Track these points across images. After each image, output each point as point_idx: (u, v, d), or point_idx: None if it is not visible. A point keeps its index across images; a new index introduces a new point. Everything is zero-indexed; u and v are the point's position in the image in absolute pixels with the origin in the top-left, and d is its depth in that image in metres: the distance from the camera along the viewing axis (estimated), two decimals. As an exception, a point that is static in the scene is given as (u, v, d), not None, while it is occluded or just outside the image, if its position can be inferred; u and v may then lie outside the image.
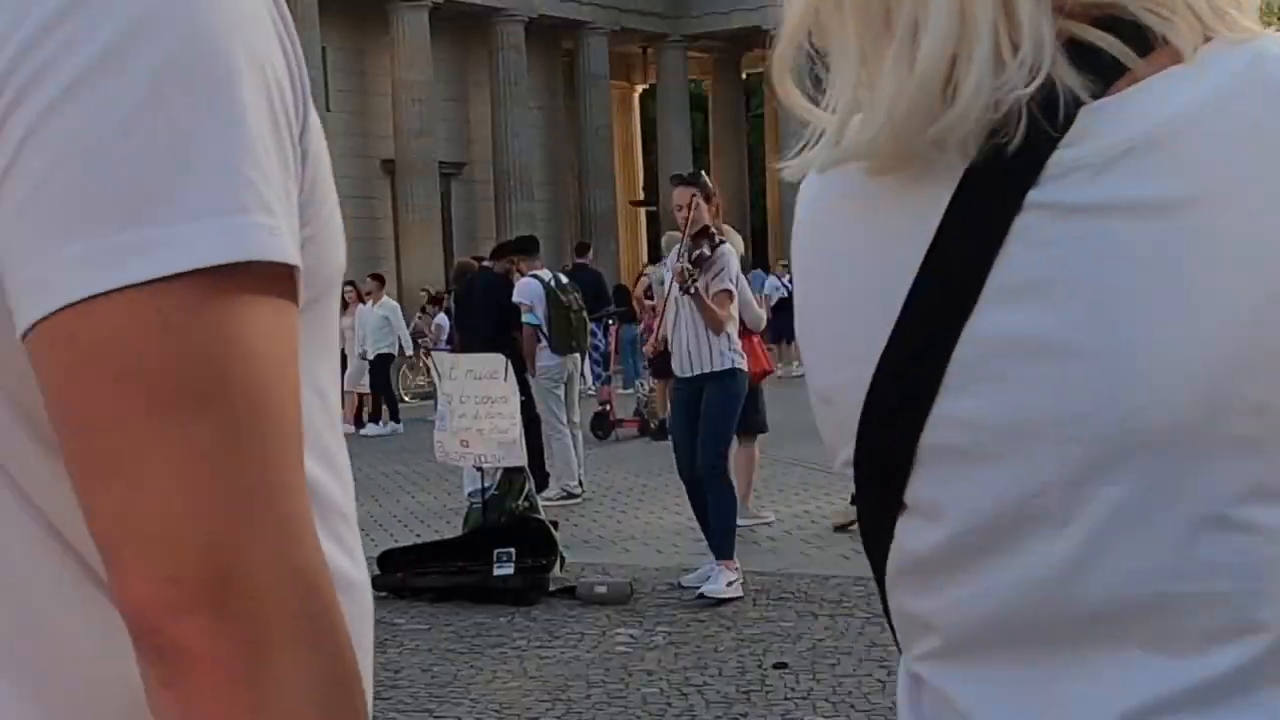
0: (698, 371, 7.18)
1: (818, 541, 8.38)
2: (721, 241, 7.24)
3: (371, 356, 18.05)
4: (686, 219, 7.19)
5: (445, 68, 38.12)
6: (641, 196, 49.71)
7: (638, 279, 17.55)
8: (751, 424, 8.38)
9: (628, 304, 18.80)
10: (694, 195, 7.21)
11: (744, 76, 50.02)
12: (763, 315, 8.87)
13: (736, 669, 5.69)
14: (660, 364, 15.12)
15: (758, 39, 44.37)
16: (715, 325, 7.09)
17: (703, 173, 7.52)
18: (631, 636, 6.32)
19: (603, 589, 7.08)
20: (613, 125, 44.09)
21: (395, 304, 19.31)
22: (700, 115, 52.18)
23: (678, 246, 7.31)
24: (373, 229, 37.65)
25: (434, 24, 36.26)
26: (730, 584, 7.02)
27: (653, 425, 15.09)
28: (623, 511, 10.17)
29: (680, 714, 5.13)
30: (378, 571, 7.57)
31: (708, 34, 44.05)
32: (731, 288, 7.19)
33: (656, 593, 7.22)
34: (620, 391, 17.99)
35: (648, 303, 14.74)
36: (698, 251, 7.09)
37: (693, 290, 7.01)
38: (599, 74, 41.85)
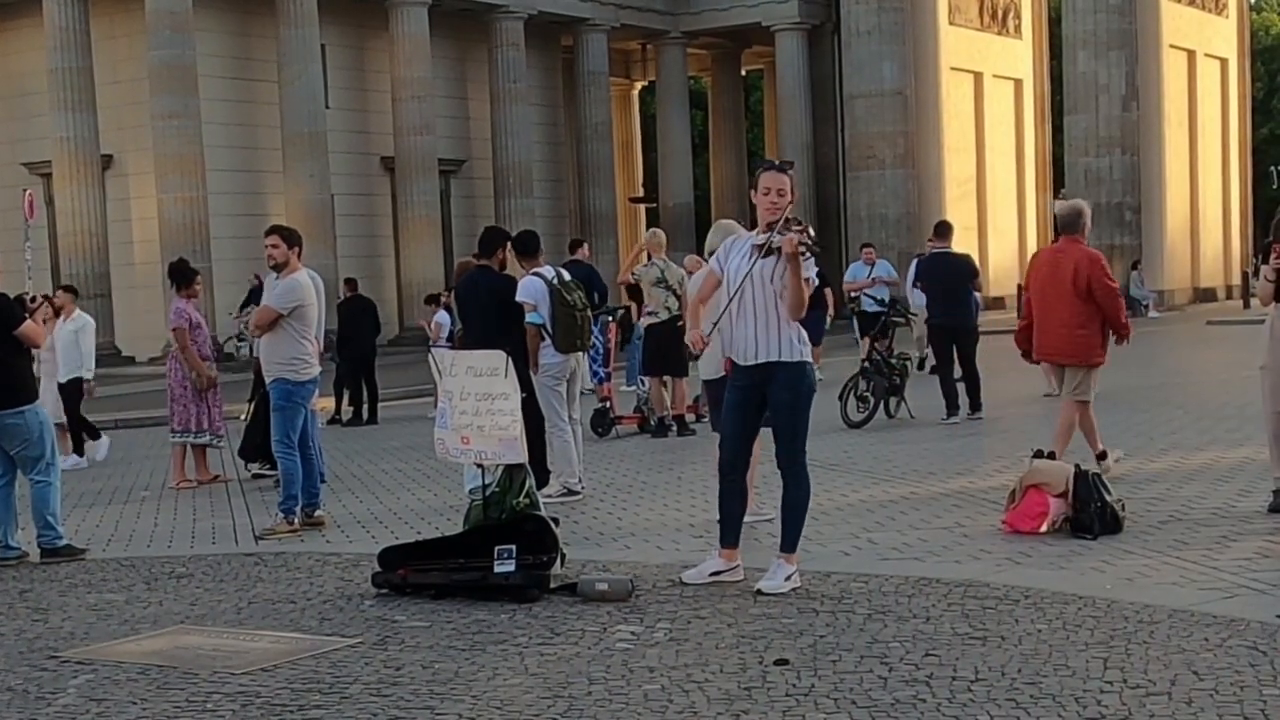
0: (764, 359, 7.09)
1: (818, 538, 8.38)
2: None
3: (63, 380, 15.04)
4: (776, 205, 7.08)
5: (444, 65, 38.11)
6: (641, 193, 49.69)
7: (624, 284, 17.39)
8: None
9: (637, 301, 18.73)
10: (788, 183, 7.13)
11: (743, 73, 50.01)
12: None
13: (738, 666, 5.69)
14: (653, 361, 15.19)
15: (757, 35, 44.40)
16: (798, 306, 6.99)
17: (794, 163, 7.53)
18: (632, 633, 6.32)
19: (604, 586, 7.08)
20: (612, 122, 44.09)
21: (89, 319, 15.90)
22: (700, 112, 52.18)
23: (744, 234, 7.24)
24: (372, 226, 37.66)
25: (433, 21, 36.26)
26: (789, 578, 7.05)
27: (652, 422, 15.11)
28: (623, 508, 10.17)
29: (681, 711, 5.13)
30: (378, 569, 7.59)
31: (707, 30, 44.08)
32: (814, 278, 7.12)
33: (657, 589, 7.22)
34: (624, 389, 18.00)
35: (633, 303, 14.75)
36: (806, 232, 7.01)
37: (811, 253, 6.92)
38: (598, 71, 41.86)
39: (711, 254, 8.06)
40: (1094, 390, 10.20)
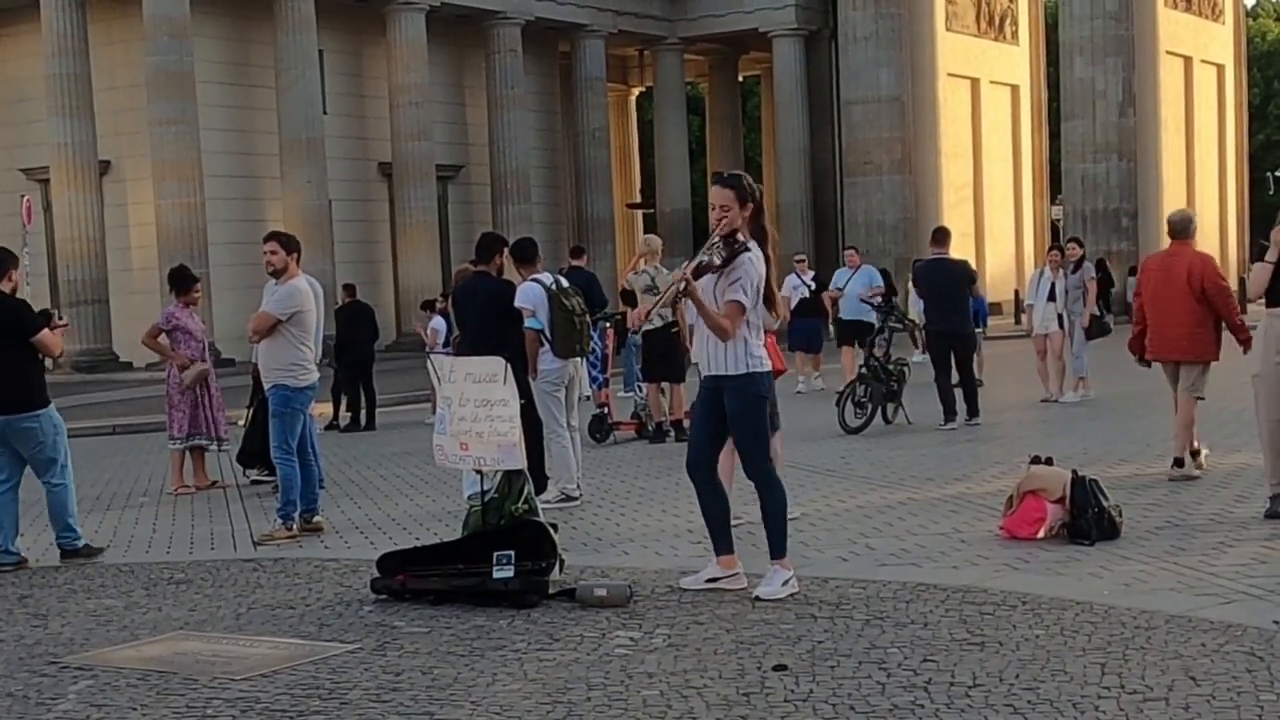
0: (714, 372, 7.17)
1: (815, 544, 8.40)
2: (743, 249, 7.03)
3: None
4: (719, 220, 7.05)
5: (442, 71, 38.13)
6: (638, 199, 49.71)
7: (621, 291, 17.38)
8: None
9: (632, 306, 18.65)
10: (731, 196, 7.07)
11: (740, 79, 50.05)
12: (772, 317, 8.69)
13: (736, 671, 5.71)
14: (650, 367, 15.20)
15: (754, 41, 44.43)
16: (718, 332, 7.03)
17: (744, 175, 7.40)
18: (631, 639, 6.33)
19: (602, 591, 7.09)
20: (609, 128, 44.11)
21: None
22: (697, 117, 52.21)
23: (709, 245, 7.28)
24: (369, 232, 37.65)
25: (430, 27, 36.28)
26: (785, 583, 7.05)
27: (650, 428, 15.12)
28: (621, 514, 10.18)
29: (680, 716, 5.15)
30: (377, 574, 7.60)
31: (704, 36, 44.10)
32: (742, 300, 7.00)
33: (656, 595, 7.23)
34: (621, 395, 18.00)
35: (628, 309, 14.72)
36: (699, 261, 7.01)
37: (682, 300, 6.98)
38: (596, 76, 41.88)
39: None
40: (1206, 387, 10.55)
